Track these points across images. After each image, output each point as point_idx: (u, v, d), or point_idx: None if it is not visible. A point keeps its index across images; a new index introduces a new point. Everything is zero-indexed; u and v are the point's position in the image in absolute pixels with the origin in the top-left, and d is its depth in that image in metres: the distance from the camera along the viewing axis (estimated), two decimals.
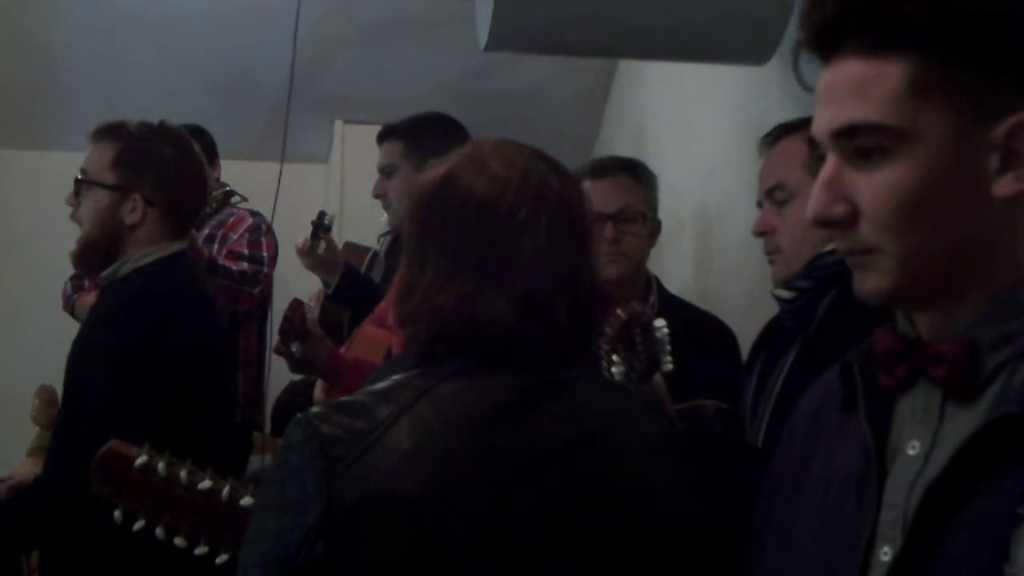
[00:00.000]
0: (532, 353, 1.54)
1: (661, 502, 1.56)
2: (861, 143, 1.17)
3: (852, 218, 1.18)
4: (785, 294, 2.32)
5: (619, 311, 2.04)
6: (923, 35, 1.14)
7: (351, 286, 3.56)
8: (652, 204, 3.09)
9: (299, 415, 1.49)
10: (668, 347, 2.00)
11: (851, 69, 1.18)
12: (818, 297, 2.24)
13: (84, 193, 2.73)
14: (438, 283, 1.55)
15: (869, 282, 1.20)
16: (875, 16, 1.16)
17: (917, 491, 1.14)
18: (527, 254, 1.54)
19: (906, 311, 1.23)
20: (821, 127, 1.21)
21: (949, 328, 1.18)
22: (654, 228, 3.10)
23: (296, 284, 3.94)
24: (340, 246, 4.21)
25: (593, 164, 3.07)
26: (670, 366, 2.01)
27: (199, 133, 4.36)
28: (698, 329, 2.91)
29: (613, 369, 1.98)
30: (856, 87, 1.17)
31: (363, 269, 4.10)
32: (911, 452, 1.17)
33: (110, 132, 2.75)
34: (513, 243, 1.54)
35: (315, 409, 1.51)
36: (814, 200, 1.20)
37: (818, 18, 1.20)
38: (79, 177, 2.74)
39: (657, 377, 2.02)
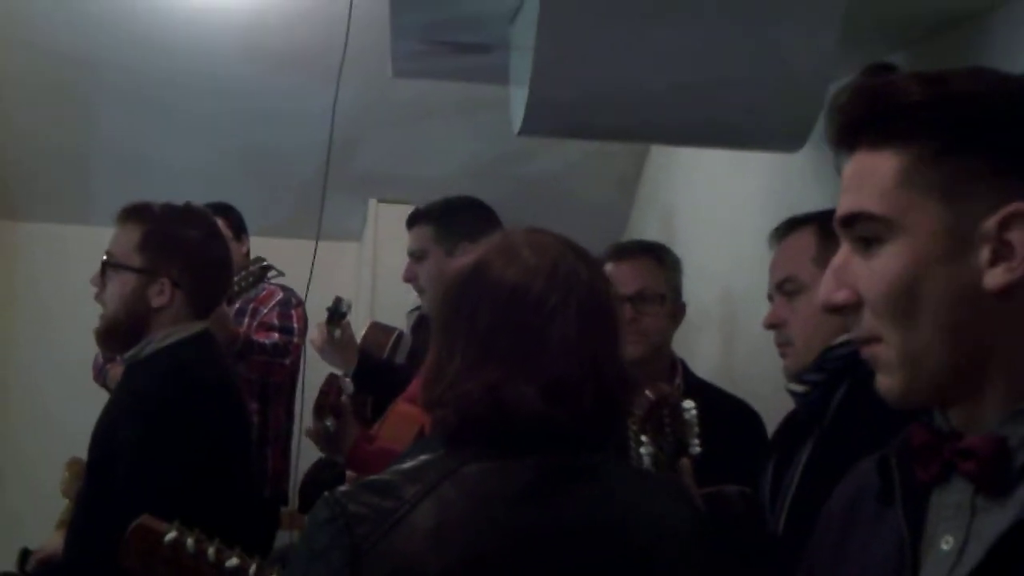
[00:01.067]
0: (559, 437, 1.55)
1: None
2: (860, 232, 1.21)
3: (855, 305, 1.21)
4: (798, 388, 2.32)
5: (648, 392, 2.04)
6: (915, 126, 1.17)
7: (368, 373, 3.57)
8: (674, 286, 3.09)
9: (327, 494, 1.51)
10: (696, 429, 2.00)
11: (860, 161, 1.22)
12: (831, 390, 2.24)
13: (110, 275, 2.73)
14: (466, 369, 1.57)
15: (882, 383, 1.22)
16: (878, 110, 1.20)
17: None
18: (555, 342, 1.55)
19: (925, 408, 1.24)
20: (835, 217, 1.25)
21: (978, 422, 1.18)
22: (676, 310, 3.09)
23: (325, 363, 3.95)
24: (367, 326, 4.24)
25: (615, 247, 3.08)
26: (698, 449, 2.01)
27: (227, 210, 4.42)
28: (724, 412, 2.91)
29: (641, 450, 1.98)
30: (859, 178, 1.21)
31: (388, 350, 4.11)
32: (945, 547, 1.17)
33: (136, 214, 2.75)
34: (542, 331, 1.56)
35: (342, 488, 1.53)
36: (822, 285, 1.24)
37: (838, 115, 1.24)
38: (105, 259, 2.74)
39: (684, 461, 2.02)
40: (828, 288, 1.24)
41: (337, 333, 3.51)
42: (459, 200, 3.35)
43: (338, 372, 3.67)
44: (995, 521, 1.13)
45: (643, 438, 1.98)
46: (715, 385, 3.15)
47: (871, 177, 1.20)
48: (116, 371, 4.06)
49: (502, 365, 1.55)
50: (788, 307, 2.37)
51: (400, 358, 4.05)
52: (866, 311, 1.21)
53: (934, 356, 1.17)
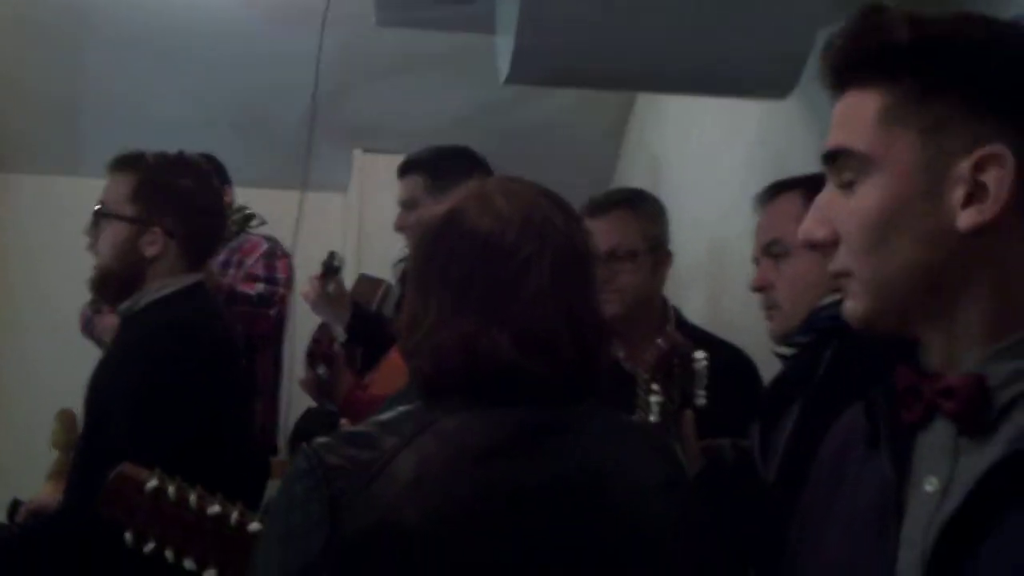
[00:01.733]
0: (537, 389, 1.54)
1: (664, 541, 1.56)
2: (841, 168, 1.23)
3: (833, 242, 1.24)
4: (785, 350, 2.33)
5: (660, 341, 2.04)
6: (899, 65, 1.19)
7: (361, 326, 3.57)
8: (653, 236, 3.03)
9: (304, 445, 1.50)
10: (705, 381, 2.01)
11: (848, 100, 1.24)
12: (819, 351, 2.24)
13: (102, 225, 2.72)
14: (441, 319, 1.56)
15: (847, 307, 1.25)
16: (867, 49, 1.22)
17: (934, 528, 1.15)
18: (529, 292, 1.54)
19: (888, 334, 1.26)
20: (821, 153, 1.27)
21: (956, 362, 1.20)
22: (658, 260, 3.04)
23: (313, 314, 3.96)
24: (355, 278, 4.23)
25: (591, 201, 3.00)
26: (703, 401, 2.01)
27: (208, 160, 4.40)
28: (718, 360, 2.91)
29: (652, 398, 1.99)
30: (845, 116, 1.24)
31: (376, 301, 4.11)
32: (928, 488, 1.18)
33: (128, 163, 2.74)
34: (516, 281, 1.55)
35: (320, 439, 1.51)
36: (804, 222, 1.27)
37: (827, 58, 1.26)
38: (97, 209, 2.73)
39: (687, 413, 2.02)
40: (809, 224, 1.26)
41: (331, 288, 3.51)
42: (450, 149, 3.33)
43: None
44: (977, 462, 1.14)
45: (654, 386, 1.99)
46: (710, 332, 3.14)
47: (856, 115, 1.22)
48: (105, 322, 4.05)
49: (476, 315, 1.54)
50: (775, 270, 2.37)
51: (387, 310, 4.04)
52: (841, 247, 1.24)
53: (900, 286, 1.20)
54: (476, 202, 1.61)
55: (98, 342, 4.12)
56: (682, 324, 3.04)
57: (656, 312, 3.02)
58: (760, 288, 2.41)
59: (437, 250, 1.61)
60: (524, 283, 1.55)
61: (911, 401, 1.22)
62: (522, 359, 1.52)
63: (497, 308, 1.54)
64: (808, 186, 2.24)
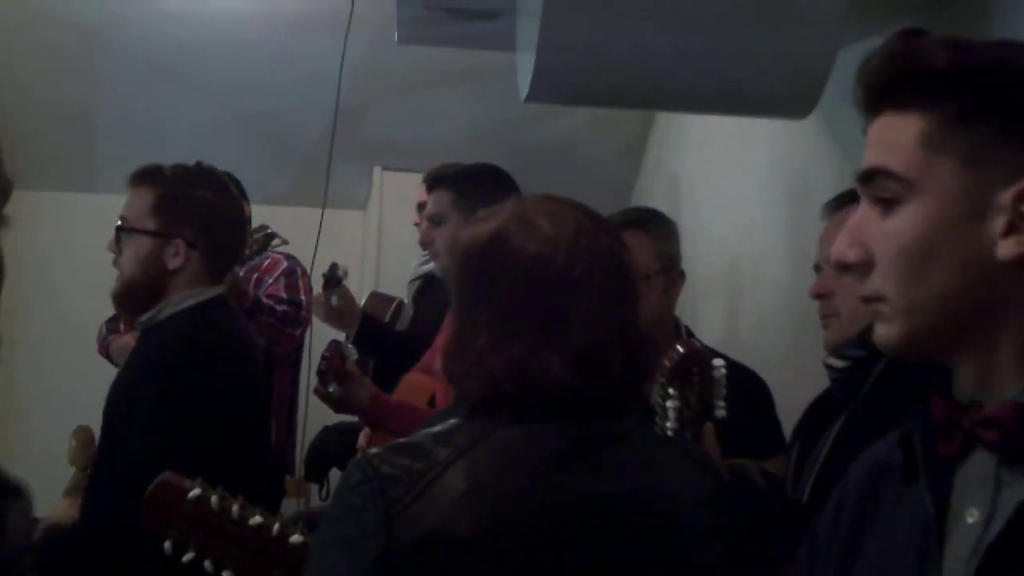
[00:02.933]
0: (587, 406, 1.55)
1: (710, 555, 1.57)
2: (878, 190, 1.21)
3: (867, 264, 1.22)
4: (838, 363, 2.30)
5: (678, 346, 2.04)
6: (941, 90, 1.18)
7: (370, 336, 3.57)
8: (667, 256, 2.99)
9: (358, 456, 1.51)
10: (724, 391, 2.00)
11: (885, 122, 1.23)
12: (869, 367, 2.22)
13: (125, 240, 2.72)
14: (492, 344, 1.56)
15: (880, 331, 1.23)
16: (906, 72, 1.20)
17: (977, 559, 1.13)
18: (581, 313, 1.56)
19: (922, 360, 1.24)
20: (856, 174, 1.25)
21: (995, 391, 1.18)
22: (671, 281, 3.00)
23: (329, 329, 3.95)
24: (366, 296, 4.23)
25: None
26: (722, 412, 2.00)
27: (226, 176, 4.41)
28: (731, 379, 2.90)
29: (668, 403, 1.98)
30: (882, 137, 1.22)
31: (388, 318, 4.11)
32: (970, 520, 1.16)
33: (147, 177, 2.74)
34: (567, 303, 1.56)
35: (373, 450, 1.53)
36: (836, 242, 1.25)
37: (867, 77, 1.24)
38: (119, 224, 2.73)
39: (708, 426, 2.01)
40: (842, 245, 1.24)
41: (334, 299, 3.51)
42: (480, 167, 3.32)
43: (340, 339, 3.68)
44: (1019, 491, 1.13)
45: (670, 391, 1.98)
46: (720, 352, 3.13)
47: (894, 137, 1.20)
48: (119, 342, 4.06)
49: (528, 339, 1.55)
50: (837, 280, 2.35)
51: (401, 326, 4.05)
52: (875, 271, 1.22)
53: (935, 313, 1.18)
54: (520, 224, 1.61)
55: (113, 362, 4.13)
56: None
57: (669, 332, 3.01)
58: (820, 295, 2.40)
59: (483, 274, 1.61)
60: (575, 305, 1.56)
61: (949, 433, 1.20)
62: (575, 380, 1.53)
63: (549, 331, 1.55)
64: None
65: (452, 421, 1.56)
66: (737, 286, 4.05)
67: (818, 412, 2.43)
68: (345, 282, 3.60)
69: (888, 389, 2.12)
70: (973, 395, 1.20)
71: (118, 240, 2.74)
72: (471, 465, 1.48)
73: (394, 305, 4.19)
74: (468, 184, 3.22)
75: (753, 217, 3.90)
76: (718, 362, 2.02)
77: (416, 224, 3.97)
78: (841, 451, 2.20)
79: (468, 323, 1.61)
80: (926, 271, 1.17)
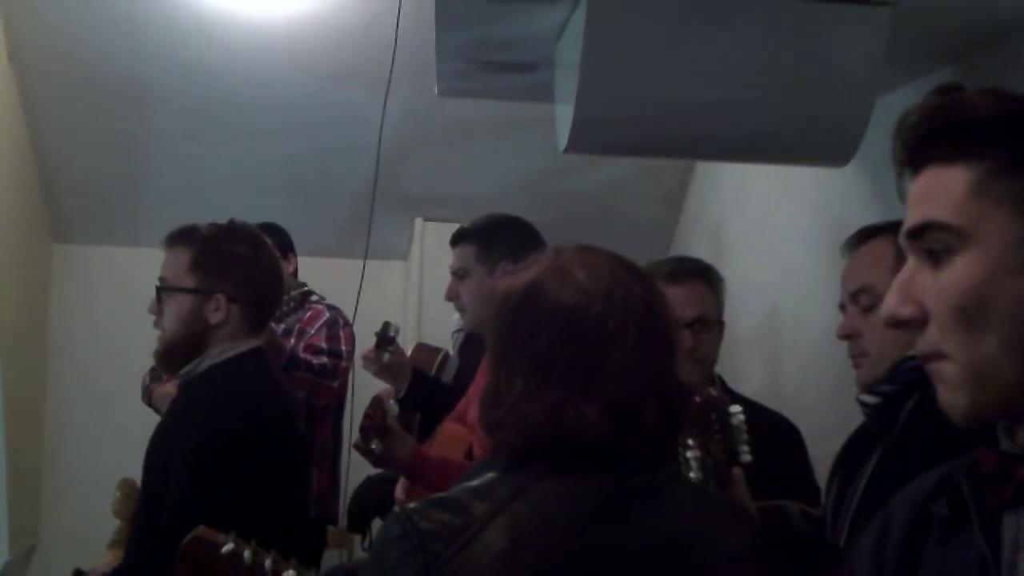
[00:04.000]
0: (622, 456, 1.55)
1: None
2: (930, 243, 1.20)
3: (921, 319, 1.21)
4: (870, 399, 2.30)
5: (695, 396, 2.03)
6: (988, 138, 1.18)
7: (421, 391, 3.59)
8: (721, 308, 3.09)
9: (396, 510, 1.51)
10: (745, 436, 1.99)
11: (930, 176, 1.22)
12: (902, 401, 2.22)
13: (166, 299, 2.77)
14: (527, 393, 1.57)
15: (945, 399, 1.21)
16: (952, 124, 1.20)
17: None
18: (615, 363, 1.56)
19: (992, 426, 1.22)
20: (902, 231, 1.24)
21: None
22: (722, 330, 3.09)
23: (375, 380, 3.97)
24: (412, 347, 4.25)
25: (668, 268, 3.02)
26: (748, 457, 1.99)
27: (272, 229, 4.45)
28: (763, 426, 2.90)
29: (688, 454, 1.98)
30: (930, 191, 1.21)
31: (434, 370, 4.12)
32: None
33: (183, 237, 2.80)
34: (602, 354, 1.56)
35: (413, 505, 1.52)
36: (887, 300, 1.24)
37: (908, 133, 1.25)
38: (159, 285, 2.79)
39: (737, 471, 2.00)
40: (893, 302, 1.23)
41: (386, 357, 3.53)
42: (502, 219, 3.35)
43: (384, 395, 3.70)
44: None
45: (690, 442, 1.98)
46: (752, 399, 3.14)
47: (943, 189, 1.20)
48: (161, 390, 4.10)
49: (563, 388, 1.55)
50: (862, 318, 2.34)
51: (447, 378, 4.06)
52: (931, 326, 1.20)
53: (1001, 371, 1.16)
54: (555, 275, 1.62)
55: (156, 410, 4.16)
56: (726, 390, 3.04)
57: (709, 382, 3.03)
58: (847, 336, 2.39)
59: (519, 324, 1.62)
60: (610, 355, 1.56)
61: (999, 483, 1.19)
62: (610, 430, 1.53)
63: (584, 381, 1.55)
64: (898, 231, 2.22)
65: (489, 475, 1.56)
66: (778, 333, 4.04)
67: (855, 448, 2.42)
68: (398, 340, 3.62)
69: (922, 423, 2.10)
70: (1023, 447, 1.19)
71: (159, 300, 2.78)
72: (510, 521, 1.48)
73: (440, 356, 4.20)
74: (490, 237, 3.25)
75: (793, 264, 3.89)
76: (735, 408, 2.01)
77: None
78: (877, 488, 2.19)
79: (504, 372, 1.61)
80: (986, 322, 1.16)
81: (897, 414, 2.23)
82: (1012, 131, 1.18)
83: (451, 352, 4.24)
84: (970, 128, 1.19)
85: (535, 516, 1.49)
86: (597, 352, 1.56)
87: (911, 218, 1.23)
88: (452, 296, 3.36)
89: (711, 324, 2.97)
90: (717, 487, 1.97)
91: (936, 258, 1.20)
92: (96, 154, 5.04)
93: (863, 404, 2.32)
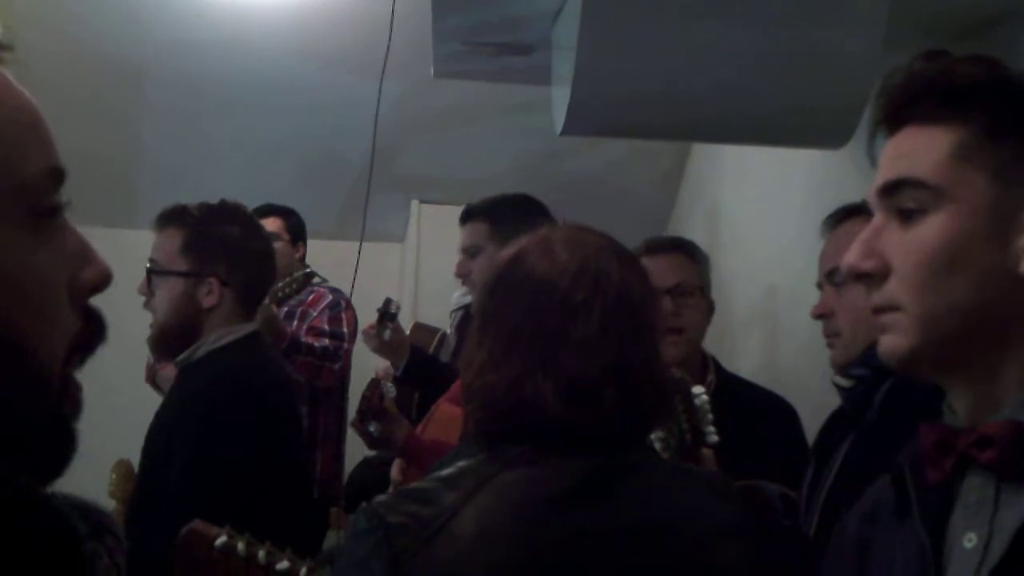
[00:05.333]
0: (587, 438, 1.54)
1: None
2: (903, 200, 1.21)
3: (882, 274, 1.22)
4: (843, 382, 2.29)
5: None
6: (975, 103, 1.19)
7: (419, 369, 3.58)
8: (707, 282, 3.09)
9: (364, 504, 1.50)
10: (710, 416, 1.98)
11: (908, 135, 1.23)
12: (875, 385, 2.20)
13: (157, 282, 2.72)
14: (492, 362, 1.57)
15: (888, 342, 1.22)
16: (938, 87, 1.21)
17: None
18: (575, 340, 1.55)
19: (926, 378, 1.24)
20: (872, 188, 1.25)
21: (991, 411, 1.18)
22: (709, 306, 3.09)
23: (373, 361, 3.97)
24: (410, 327, 4.25)
25: (647, 242, 3.04)
26: (715, 438, 1.98)
27: (289, 214, 4.46)
28: (758, 406, 2.91)
29: (652, 436, 1.97)
30: (909, 150, 1.22)
31: (431, 349, 4.12)
32: (968, 545, 1.15)
33: (174, 217, 2.74)
34: (562, 329, 1.55)
35: (381, 497, 1.52)
36: (849, 252, 1.25)
37: (892, 93, 1.26)
38: (149, 267, 2.73)
39: (706, 452, 2.00)
40: (856, 255, 1.24)
41: (386, 334, 3.52)
42: (513, 197, 3.33)
43: (381, 376, 3.70)
44: (1017, 511, 1.12)
45: None
46: (747, 380, 3.15)
47: (923, 148, 1.21)
48: (166, 371, 4.08)
49: (524, 360, 1.55)
50: (837, 298, 2.34)
51: (444, 357, 4.06)
52: (892, 280, 1.21)
53: (949, 325, 1.18)
54: (537, 248, 1.62)
55: (160, 390, 4.15)
56: (720, 372, 3.04)
57: (698, 359, 3.03)
58: (821, 315, 2.39)
59: (496, 292, 1.63)
60: (570, 332, 1.55)
61: (939, 457, 1.20)
62: (566, 409, 1.52)
63: (544, 354, 1.55)
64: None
65: (460, 464, 1.55)
66: (775, 314, 4.04)
67: (831, 429, 2.41)
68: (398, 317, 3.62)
69: (895, 409, 2.09)
70: (967, 420, 1.20)
71: (149, 282, 2.74)
72: (479, 509, 1.47)
73: (438, 336, 4.20)
74: (501, 215, 3.23)
75: (791, 245, 3.89)
76: (698, 389, 2.00)
77: None
78: (850, 473, 2.18)
79: (476, 339, 1.62)
80: (947, 281, 1.17)
81: (870, 398, 2.22)
82: (998, 98, 1.19)
83: (448, 332, 4.24)
84: (956, 92, 1.20)
85: (502, 504, 1.48)
86: (559, 326, 1.55)
87: (885, 174, 1.23)
88: (463, 273, 3.34)
89: (692, 291, 2.97)
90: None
91: (907, 216, 1.21)
92: (89, 135, 5.02)
93: (838, 387, 2.31)
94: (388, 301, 3.57)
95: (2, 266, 0.86)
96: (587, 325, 1.55)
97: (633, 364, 1.58)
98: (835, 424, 2.42)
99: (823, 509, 2.26)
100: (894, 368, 1.23)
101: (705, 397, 2.00)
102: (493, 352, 1.58)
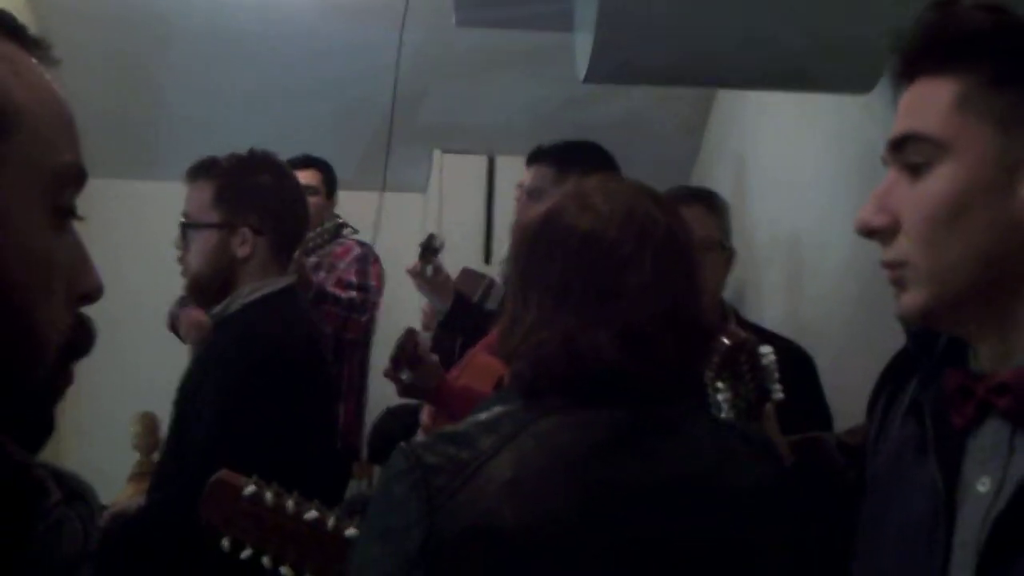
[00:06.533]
0: (637, 388, 1.52)
1: (773, 542, 1.54)
2: (910, 155, 1.21)
3: (892, 230, 1.22)
4: None
5: (724, 338, 2.02)
6: (978, 52, 1.18)
7: (462, 315, 3.56)
8: (726, 232, 3.07)
9: (402, 444, 1.49)
10: (776, 375, 1.98)
11: (919, 88, 1.23)
12: None
13: (191, 235, 2.73)
14: (541, 319, 1.55)
15: (903, 300, 1.23)
16: (943, 36, 1.21)
17: (987, 527, 1.13)
18: (631, 288, 1.53)
19: (946, 331, 1.26)
20: (886, 143, 1.26)
21: (1010, 358, 1.18)
22: (729, 257, 3.07)
23: (395, 314, 3.97)
24: (458, 272, 4.23)
25: (667, 193, 3.02)
26: (780, 395, 1.98)
27: (325, 167, 4.45)
28: (777, 356, 2.89)
29: (719, 396, 1.97)
30: (916, 103, 1.22)
31: (477, 297, 4.10)
32: (981, 489, 1.16)
33: (204, 170, 2.74)
34: (617, 278, 1.53)
35: (419, 438, 1.52)
36: (861, 210, 1.25)
37: (903, 47, 1.25)
38: (183, 221, 2.74)
39: (768, 408, 2.00)
40: (867, 212, 1.25)
41: (429, 271, 3.49)
42: (581, 144, 3.28)
43: (431, 316, 3.67)
44: None
45: (719, 384, 1.96)
46: (766, 329, 3.12)
47: (928, 101, 1.20)
48: (188, 316, 4.05)
49: (576, 314, 1.53)
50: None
51: (492, 305, 4.02)
52: (901, 236, 1.21)
53: (961, 277, 1.18)
54: (574, 201, 1.60)
55: (180, 336, 4.15)
56: (740, 321, 3.03)
57: (717, 310, 3.01)
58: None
59: (535, 251, 1.60)
60: (625, 280, 1.53)
61: (961, 402, 1.20)
62: (623, 359, 1.51)
63: (598, 306, 1.53)
64: None
65: (498, 408, 1.54)
66: (799, 261, 4.02)
67: (895, 372, 2.38)
68: (441, 255, 3.57)
69: (960, 350, 2.07)
70: (988, 367, 1.20)
71: (184, 236, 2.74)
72: (515, 454, 1.46)
73: (485, 283, 4.17)
74: (567, 160, 3.19)
75: (815, 193, 3.86)
76: (765, 349, 2.00)
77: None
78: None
79: (520, 301, 1.60)
80: (954, 234, 1.17)
81: (936, 337, 2.18)
82: (1003, 46, 1.18)
83: (497, 280, 4.20)
84: (962, 40, 1.19)
85: (540, 450, 1.47)
86: (612, 278, 1.54)
87: (895, 130, 1.24)
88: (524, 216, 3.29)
89: (713, 247, 2.95)
90: (752, 425, 1.96)
91: (915, 170, 1.20)
92: (113, 88, 5.02)
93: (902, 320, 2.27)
94: (431, 237, 3.53)
95: (29, 245, 0.90)
96: (640, 273, 1.53)
97: (686, 308, 1.56)
98: (899, 366, 2.38)
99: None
100: (911, 324, 1.23)
101: (772, 357, 2.00)
102: (542, 311, 1.55)
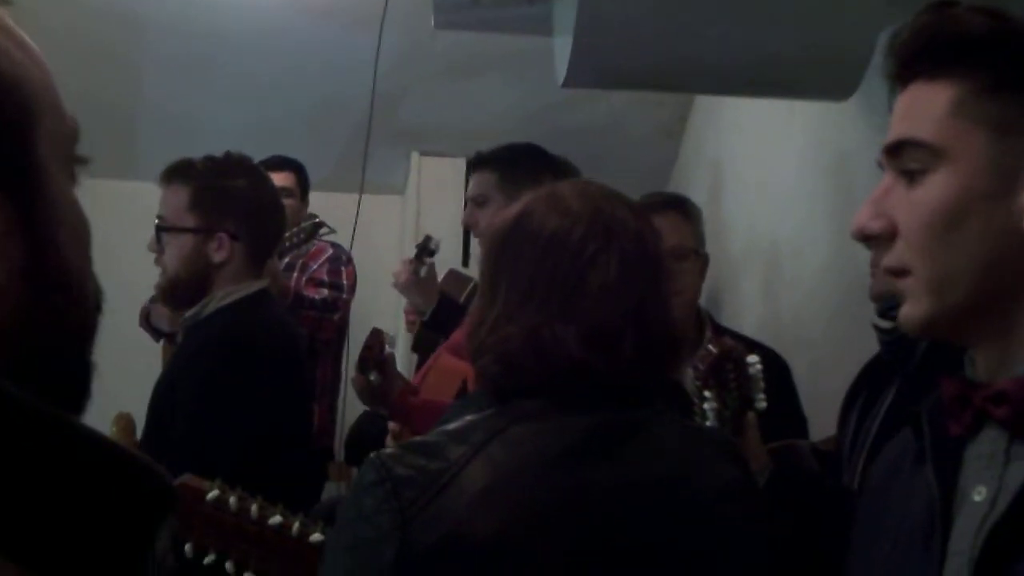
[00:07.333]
0: (603, 391, 1.53)
1: (732, 545, 1.54)
2: (905, 162, 1.20)
3: (890, 235, 1.21)
4: (884, 324, 2.25)
5: (711, 346, 2.03)
6: (974, 57, 1.17)
7: (446, 315, 3.55)
8: (701, 239, 3.07)
9: (372, 455, 1.49)
10: (762, 384, 1.98)
11: (914, 92, 1.22)
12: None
13: (166, 239, 2.69)
14: (507, 315, 1.56)
15: (904, 310, 1.22)
16: (939, 40, 1.20)
17: (982, 536, 1.13)
18: (595, 287, 1.54)
19: (948, 342, 1.24)
20: (882, 148, 1.24)
21: (1008, 367, 1.17)
22: (704, 263, 3.08)
23: (373, 317, 3.95)
24: (444, 273, 4.22)
25: (641, 202, 3.02)
26: (763, 404, 1.98)
27: (299, 168, 4.43)
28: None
29: (705, 405, 1.97)
30: (911, 108, 1.21)
31: (463, 298, 4.09)
32: (977, 498, 1.15)
33: (179, 173, 2.71)
34: (581, 276, 1.54)
35: (388, 450, 1.51)
36: (858, 214, 1.24)
37: (898, 47, 1.24)
38: (158, 223, 2.70)
39: (750, 416, 2.00)
40: (864, 216, 1.23)
41: (423, 271, 3.47)
42: (523, 147, 3.27)
43: (410, 316, 3.65)
44: None
45: (707, 393, 1.97)
46: (741, 334, 3.13)
47: (924, 106, 1.19)
48: (159, 311, 3.99)
49: (541, 309, 1.54)
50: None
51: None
52: (899, 242, 1.20)
53: (961, 287, 1.16)
54: (545, 203, 1.61)
55: (154, 331, 4.11)
56: (716, 327, 3.03)
57: (693, 317, 3.01)
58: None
59: (505, 250, 1.61)
60: (589, 278, 1.54)
61: (959, 411, 1.19)
62: (588, 355, 1.51)
63: (562, 303, 1.54)
64: None
65: (468, 417, 1.54)
66: (777, 266, 4.03)
67: (869, 379, 2.38)
68: (436, 256, 3.55)
69: (938, 358, 2.06)
70: (986, 376, 1.19)
71: (159, 239, 2.71)
72: (487, 464, 1.46)
73: (470, 286, 4.16)
74: (510, 165, 3.18)
75: (793, 198, 3.87)
76: (752, 358, 2.00)
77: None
78: (894, 423, 2.15)
79: (488, 299, 1.60)
80: (952, 242, 1.16)
81: (913, 344, 2.18)
82: (999, 51, 1.17)
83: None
84: (958, 45, 1.18)
85: (511, 458, 1.47)
86: (576, 274, 1.54)
87: (890, 135, 1.23)
88: (470, 223, 3.28)
89: (687, 255, 2.96)
90: (733, 432, 1.96)
91: (911, 177, 1.19)
92: (86, 90, 4.97)
93: (877, 329, 2.27)
94: (428, 238, 3.52)
95: (68, 206, 0.88)
96: (606, 272, 1.55)
97: (652, 310, 1.58)
98: (872, 373, 2.38)
99: (867, 461, 2.23)
100: (913, 336, 1.23)
101: (759, 366, 2.00)
102: (508, 306, 1.56)
